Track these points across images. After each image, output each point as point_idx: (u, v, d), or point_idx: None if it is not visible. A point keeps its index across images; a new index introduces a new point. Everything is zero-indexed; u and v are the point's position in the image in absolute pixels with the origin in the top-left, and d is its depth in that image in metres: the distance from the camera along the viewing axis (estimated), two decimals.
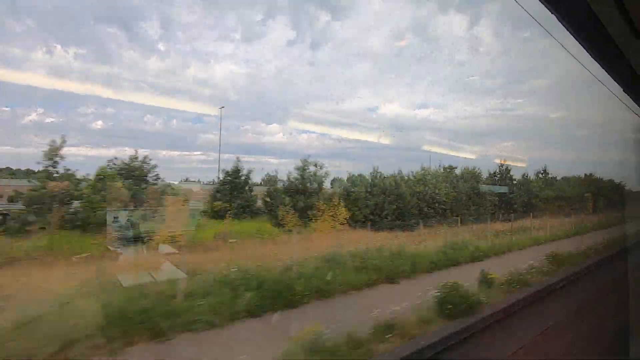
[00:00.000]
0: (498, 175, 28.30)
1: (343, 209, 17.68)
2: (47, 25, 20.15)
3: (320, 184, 20.22)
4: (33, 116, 19.11)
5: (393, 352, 4.29)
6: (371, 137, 21.89)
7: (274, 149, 31.18)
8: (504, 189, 26.56)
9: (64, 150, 14.36)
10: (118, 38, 22.41)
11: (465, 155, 26.83)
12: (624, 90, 2.49)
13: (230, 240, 14.61)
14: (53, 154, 14.14)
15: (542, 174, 32.40)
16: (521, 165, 29.60)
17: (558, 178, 32.65)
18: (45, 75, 14.25)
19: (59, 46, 19.39)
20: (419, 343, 3.90)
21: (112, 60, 20.66)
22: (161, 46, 24.12)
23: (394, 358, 4.27)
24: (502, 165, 28.81)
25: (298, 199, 18.80)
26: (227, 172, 19.62)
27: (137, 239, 12.98)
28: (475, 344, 4.06)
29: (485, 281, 6.54)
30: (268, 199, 19.85)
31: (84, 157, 21.30)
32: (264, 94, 27.57)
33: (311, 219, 17.72)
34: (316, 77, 31.86)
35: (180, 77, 22.04)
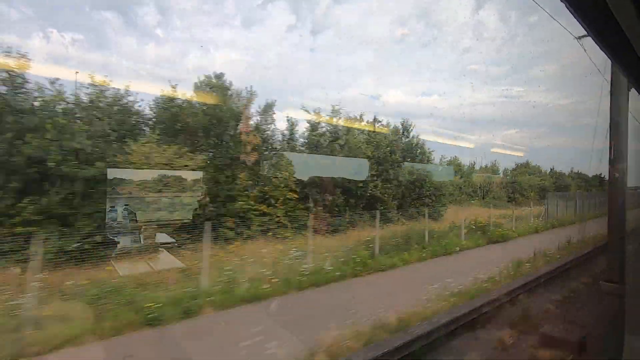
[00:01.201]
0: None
1: None
2: (44, 12, 19.74)
3: None
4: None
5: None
6: (371, 126, 21.90)
7: None
8: None
9: None
10: (115, 25, 21.97)
11: (464, 144, 26.53)
12: (629, 82, 2.39)
13: None
14: None
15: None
16: (519, 154, 29.29)
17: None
18: (43, 62, 14.02)
19: (56, 32, 19.00)
20: None
21: (109, 47, 20.33)
22: (159, 33, 23.69)
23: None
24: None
25: None
26: None
27: None
28: None
29: None
30: None
31: None
32: (264, 81, 27.24)
33: None
34: (317, 64, 31.41)
35: (180, 64, 21.74)
